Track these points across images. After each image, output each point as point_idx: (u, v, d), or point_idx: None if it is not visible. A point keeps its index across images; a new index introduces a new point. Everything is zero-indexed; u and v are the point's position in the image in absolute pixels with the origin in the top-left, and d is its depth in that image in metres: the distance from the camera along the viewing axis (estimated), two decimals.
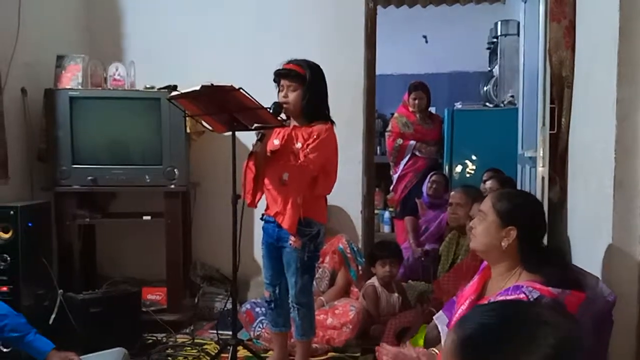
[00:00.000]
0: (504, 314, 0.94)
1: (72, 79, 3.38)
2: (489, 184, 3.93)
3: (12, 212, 2.91)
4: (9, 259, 2.89)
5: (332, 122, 2.66)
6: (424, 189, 4.60)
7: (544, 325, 0.90)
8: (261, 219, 2.74)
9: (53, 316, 2.88)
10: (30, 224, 2.98)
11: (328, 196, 2.82)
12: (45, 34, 3.49)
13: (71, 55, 3.44)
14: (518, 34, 4.97)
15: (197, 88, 2.41)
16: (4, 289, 2.86)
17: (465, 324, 0.95)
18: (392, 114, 6.70)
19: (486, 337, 0.91)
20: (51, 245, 3.28)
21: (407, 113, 4.87)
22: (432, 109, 5.26)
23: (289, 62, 2.63)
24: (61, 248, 3.38)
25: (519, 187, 4.11)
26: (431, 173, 4.65)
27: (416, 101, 4.82)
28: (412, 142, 4.79)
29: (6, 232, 2.91)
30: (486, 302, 1.79)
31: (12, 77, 3.15)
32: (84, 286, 3.28)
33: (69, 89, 3.34)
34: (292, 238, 2.60)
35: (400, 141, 4.81)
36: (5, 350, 2.71)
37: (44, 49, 3.43)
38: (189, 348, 3.13)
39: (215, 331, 3.19)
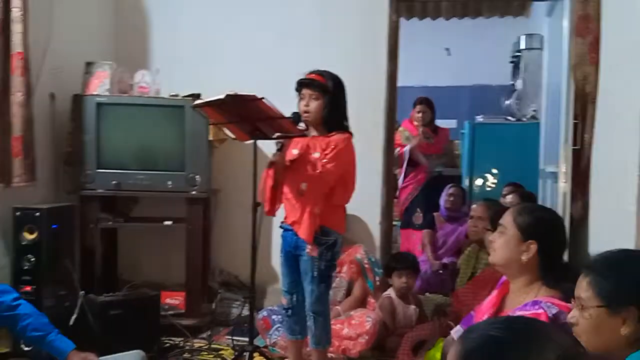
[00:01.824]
0: (511, 328, 0.94)
1: (99, 85, 3.45)
2: (509, 198, 3.90)
3: (37, 214, 2.97)
4: (33, 259, 2.95)
5: (350, 133, 2.68)
6: (442, 202, 4.59)
7: (551, 343, 0.90)
8: (280, 227, 2.77)
9: (74, 317, 2.92)
10: (54, 226, 3.04)
11: (347, 206, 2.83)
12: (75, 42, 3.58)
13: (99, 62, 3.51)
14: (541, 49, 4.95)
15: (222, 97, 2.45)
16: (28, 288, 2.91)
17: (471, 335, 0.94)
18: None
19: (490, 350, 0.90)
20: (74, 247, 3.34)
21: (411, 127, 4.96)
22: (453, 122, 5.26)
23: (312, 72, 2.67)
24: (84, 250, 3.44)
25: (540, 202, 4.07)
26: (449, 185, 4.64)
27: (420, 115, 4.87)
28: (406, 148, 4.80)
29: (31, 233, 2.97)
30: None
31: (41, 83, 3.23)
32: (105, 289, 3.32)
33: (96, 94, 3.41)
34: (309, 247, 2.61)
35: (398, 149, 4.85)
36: (26, 348, 2.76)
37: (73, 56, 3.51)
38: (205, 353, 3.16)
39: (231, 337, 3.21)
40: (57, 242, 3.07)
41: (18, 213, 2.99)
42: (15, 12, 2.96)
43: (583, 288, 1.35)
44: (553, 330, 0.94)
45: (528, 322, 1.01)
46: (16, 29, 2.97)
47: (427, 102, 4.95)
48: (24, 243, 2.97)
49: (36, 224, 2.97)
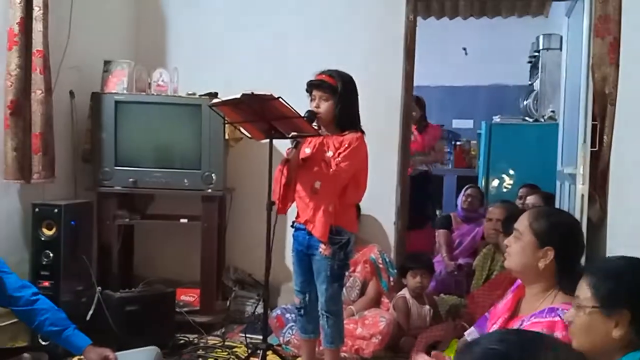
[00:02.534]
0: (517, 343, 0.91)
1: (117, 83, 3.49)
2: (531, 199, 3.87)
3: (56, 210, 3.01)
4: (51, 255, 2.99)
5: (363, 132, 2.68)
6: (459, 202, 4.56)
7: None
8: (292, 226, 2.77)
9: (90, 312, 2.96)
10: (73, 222, 3.08)
11: (361, 206, 2.82)
12: (94, 40, 3.62)
13: (118, 60, 3.55)
14: (560, 49, 4.90)
15: (238, 96, 2.46)
16: (46, 283, 2.95)
17: (475, 349, 0.91)
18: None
19: None
20: (92, 243, 3.38)
21: None
22: (470, 122, 5.21)
23: (321, 72, 2.67)
24: (101, 247, 3.47)
25: (557, 204, 4.04)
26: (466, 186, 4.61)
27: None
28: None
29: (50, 229, 3.02)
30: (519, 321, 1.77)
31: (61, 80, 3.27)
32: (121, 285, 3.36)
33: (115, 93, 3.45)
34: (322, 246, 2.61)
35: None
36: (44, 343, 2.80)
37: (92, 54, 3.55)
38: (219, 350, 3.17)
39: (244, 335, 3.23)
40: (75, 238, 3.11)
41: (37, 209, 3.03)
42: (36, 11, 3.01)
43: (583, 289, 1.40)
44: (562, 349, 0.91)
45: (536, 339, 0.96)
46: (37, 27, 3.02)
47: (416, 100, 4.92)
48: (42, 239, 3.01)
49: (55, 220, 3.01)
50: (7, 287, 2.24)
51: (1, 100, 2.96)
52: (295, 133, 2.57)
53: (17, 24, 2.95)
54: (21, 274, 2.49)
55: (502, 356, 0.89)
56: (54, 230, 3.01)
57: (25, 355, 2.54)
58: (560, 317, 1.59)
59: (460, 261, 4.29)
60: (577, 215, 2.87)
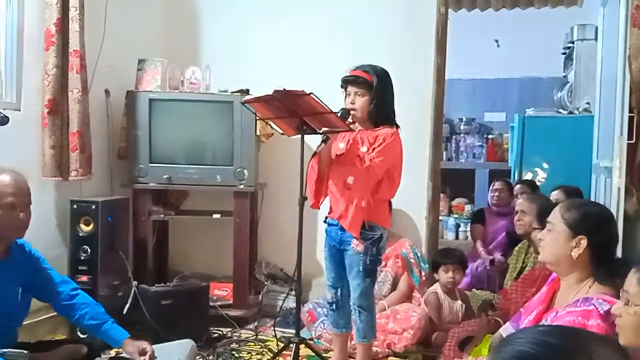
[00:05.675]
0: (548, 345, 0.87)
1: (151, 81, 3.55)
2: (555, 194, 3.79)
3: (93, 207, 3.09)
4: (89, 250, 3.08)
5: (398, 126, 2.67)
6: (489, 197, 4.52)
7: None
8: (324, 221, 2.78)
9: (127, 306, 3.03)
10: (109, 218, 3.16)
11: (393, 201, 2.81)
12: (128, 40, 3.69)
13: (151, 59, 3.61)
14: (595, 39, 4.79)
15: (270, 92, 2.48)
16: (84, 278, 3.04)
17: (503, 349, 0.88)
18: (460, 119, 6.65)
19: None
20: (128, 239, 3.46)
21: None
22: (502, 115, 5.13)
23: (356, 68, 2.65)
24: (136, 242, 3.55)
25: (593, 198, 3.97)
26: (494, 181, 4.56)
27: None
28: None
29: (88, 225, 3.10)
30: (553, 312, 1.76)
31: (96, 79, 3.34)
32: (156, 279, 3.43)
33: (149, 91, 3.51)
34: (355, 241, 2.61)
35: None
36: (82, 336, 2.88)
37: (127, 53, 3.62)
38: (252, 343, 3.21)
39: (275, 328, 3.26)
40: (112, 233, 3.19)
41: (75, 206, 3.12)
42: (72, 12, 3.08)
43: (632, 284, 1.35)
44: (596, 348, 0.87)
45: (567, 341, 0.90)
46: (73, 27, 3.09)
47: None
48: (80, 234, 3.10)
49: (92, 216, 3.09)
50: (54, 282, 2.32)
51: (39, 100, 3.05)
52: (326, 128, 2.57)
53: (53, 24, 3.02)
54: (59, 269, 2.55)
55: (531, 357, 0.85)
56: (91, 226, 3.09)
57: None
58: (595, 306, 1.58)
59: (495, 256, 4.25)
60: (613, 209, 2.81)
